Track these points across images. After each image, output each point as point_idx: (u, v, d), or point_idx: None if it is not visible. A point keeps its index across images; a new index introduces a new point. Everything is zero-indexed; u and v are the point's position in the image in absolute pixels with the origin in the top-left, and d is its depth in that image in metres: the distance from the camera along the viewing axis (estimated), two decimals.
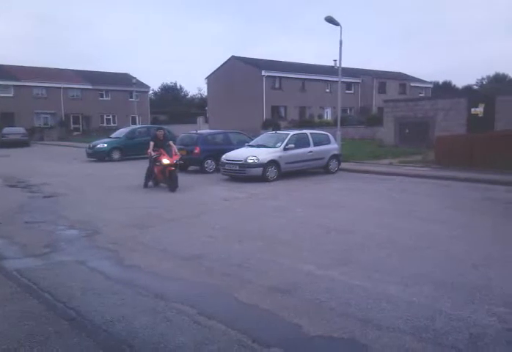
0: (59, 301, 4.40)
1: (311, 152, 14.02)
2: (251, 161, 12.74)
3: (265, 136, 15.22)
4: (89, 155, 20.90)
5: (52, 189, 11.71)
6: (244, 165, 12.77)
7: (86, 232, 7.21)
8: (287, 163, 13.35)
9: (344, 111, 41.94)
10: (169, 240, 6.60)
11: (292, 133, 14.23)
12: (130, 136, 21.44)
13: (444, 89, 65.71)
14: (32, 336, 3.64)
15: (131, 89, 43.54)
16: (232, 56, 42.78)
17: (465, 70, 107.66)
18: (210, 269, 5.31)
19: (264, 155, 12.96)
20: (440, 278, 4.85)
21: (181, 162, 12.60)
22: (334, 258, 5.63)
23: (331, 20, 17.67)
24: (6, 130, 33.36)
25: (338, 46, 18.06)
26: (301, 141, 13.89)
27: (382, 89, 46.81)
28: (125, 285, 4.82)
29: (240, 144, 15.01)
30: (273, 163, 13.04)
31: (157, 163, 11.80)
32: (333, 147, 15.07)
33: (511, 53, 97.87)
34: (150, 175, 12.11)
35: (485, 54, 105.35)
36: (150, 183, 12.12)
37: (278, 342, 3.51)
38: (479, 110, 20.00)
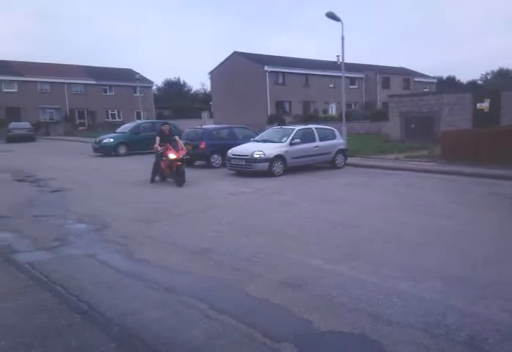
0: (72, 294, 4.44)
1: (317, 146, 14.00)
2: (258, 156, 12.74)
3: (271, 130, 15.21)
4: (95, 149, 20.96)
5: (59, 184, 11.77)
6: (250, 160, 12.77)
7: (94, 226, 7.26)
8: (293, 158, 13.34)
9: (348, 106, 41.83)
10: (177, 235, 6.63)
11: (297, 128, 14.21)
12: (136, 130, 21.49)
13: (448, 84, 65.27)
14: (45, 330, 3.68)
15: (135, 84, 43.52)
16: (235, 51, 42.58)
17: (467, 66, 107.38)
18: (219, 263, 5.33)
19: (270, 149, 12.95)
20: (449, 273, 4.84)
21: (187, 157, 12.62)
22: (342, 253, 5.64)
23: (332, 15, 17.62)
24: (12, 125, 33.54)
25: (339, 42, 18.16)
26: (306, 136, 13.87)
27: (386, 84, 46.58)
28: (135, 279, 4.86)
29: (246, 139, 15.00)
30: (279, 157, 13.03)
31: (163, 158, 11.82)
32: (339, 141, 15.03)
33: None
34: (156, 170, 12.13)
35: (486, 51, 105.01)
36: (157, 178, 12.16)
37: (289, 337, 3.52)
38: (485, 105, 19.89)
